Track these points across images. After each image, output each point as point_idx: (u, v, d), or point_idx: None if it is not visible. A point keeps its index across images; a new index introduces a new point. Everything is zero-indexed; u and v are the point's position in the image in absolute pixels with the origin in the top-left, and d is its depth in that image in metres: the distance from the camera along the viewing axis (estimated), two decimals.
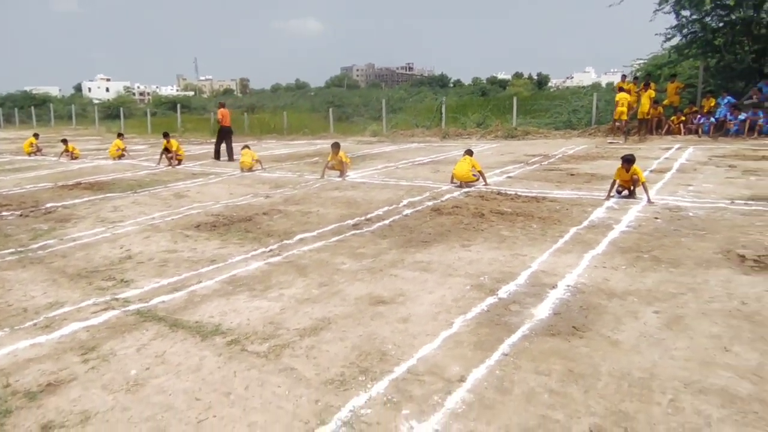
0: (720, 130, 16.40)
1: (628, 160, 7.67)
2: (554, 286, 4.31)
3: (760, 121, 15.62)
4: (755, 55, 17.63)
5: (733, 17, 17.32)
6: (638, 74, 21.14)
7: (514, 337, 3.42)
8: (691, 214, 6.73)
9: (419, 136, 21.58)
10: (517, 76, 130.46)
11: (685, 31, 19.01)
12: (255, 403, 2.70)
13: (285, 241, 5.99)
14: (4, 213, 8.02)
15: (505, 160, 12.96)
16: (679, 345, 3.25)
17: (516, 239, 5.81)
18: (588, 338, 3.39)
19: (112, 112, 42.56)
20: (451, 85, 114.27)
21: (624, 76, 19.76)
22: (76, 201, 8.95)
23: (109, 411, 2.67)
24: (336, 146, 10.75)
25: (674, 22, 18.65)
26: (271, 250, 5.67)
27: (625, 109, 16.94)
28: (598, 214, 6.91)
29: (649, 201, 7.48)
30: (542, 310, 3.85)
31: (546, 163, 12.19)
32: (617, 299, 4.01)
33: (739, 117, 16.11)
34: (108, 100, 68.41)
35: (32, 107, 39.72)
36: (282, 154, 16.68)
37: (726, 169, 10.15)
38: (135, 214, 7.79)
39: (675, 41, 19.50)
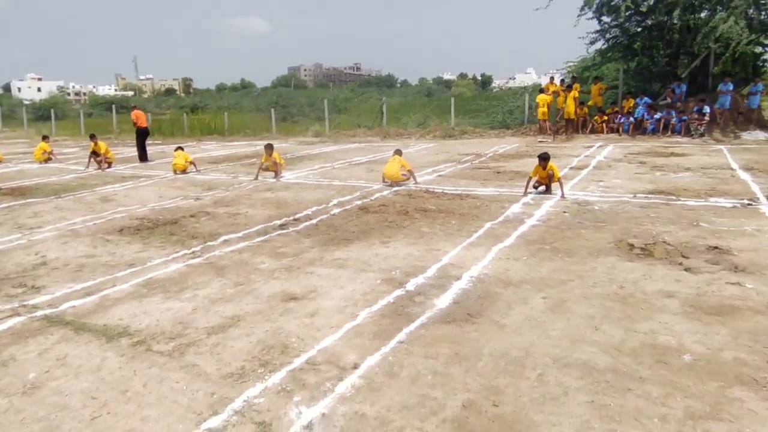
0: (638, 129, 17.52)
1: (545, 158, 8.15)
2: (459, 278, 4.61)
3: (673, 120, 16.80)
4: (668, 59, 18.91)
5: (649, 23, 18.51)
6: (566, 77, 22.19)
7: (413, 326, 3.67)
8: (596, 207, 7.26)
9: (361, 137, 21.79)
10: (462, 76, 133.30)
11: (607, 35, 20.16)
12: (151, 398, 2.80)
13: (209, 243, 6.04)
14: None
15: (438, 159, 13.36)
16: (557, 326, 3.59)
17: (434, 235, 6.11)
18: (479, 324, 3.68)
19: (44, 113, 40.47)
20: (398, 85, 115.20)
21: (552, 78, 20.74)
22: None
23: (2, 414, 2.70)
24: (269, 147, 10.79)
25: (598, 27, 19.75)
26: (193, 252, 5.71)
27: (545, 109, 17.96)
28: (514, 209, 7.32)
29: (562, 196, 7.99)
30: (444, 300, 4.13)
31: (477, 161, 12.67)
32: (513, 287, 4.35)
33: (655, 116, 17.27)
34: (39, 100, 65.08)
35: None
36: (219, 155, 16.46)
37: (637, 166, 10.92)
38: (55, 219, 7.58)
39: (598, 45, 20.68)
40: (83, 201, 9.00)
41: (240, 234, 6.41)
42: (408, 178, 9.53)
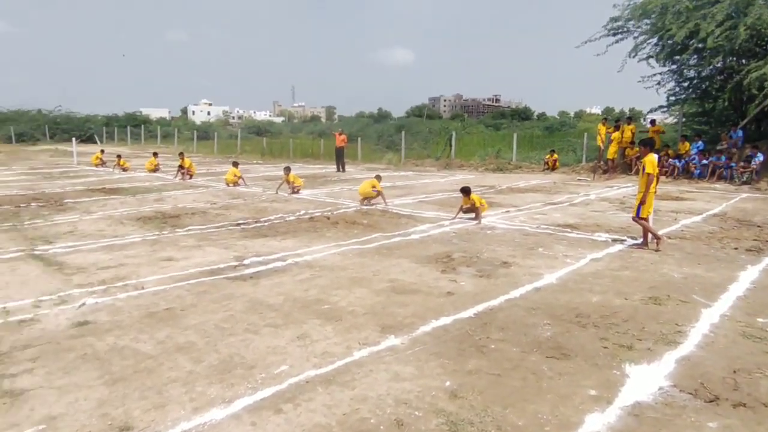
0: (686, 173, 17.21)
1: (465, 191, 9.63)
2: (284, 260, 6.61)
3: (721, 167, 16.30)
4: (736, 102, 18.19)
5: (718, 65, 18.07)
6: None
7: (209, 279, 5.79)
8: (487, 232, 8.59)
9: (423, 166, 23.77)
10: (608, 110, 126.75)
11: (681, 77, 19.95)
12: (29, 280, 5.35)
13: (176, 229, 8.66)
14: (32, 204, 11.50)
15: (449, 188, 14.90)
16: (285, 287, 5.47)
17: (322, 237, 8.08)
18: (249, 281, 5.69)
19: (206, 134, 47.38)
20: (535, 117, 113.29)
21: (605, 119, 20.93)
22: (86, 199, 12.31)
23: None
24: (287, 170, 13.49)
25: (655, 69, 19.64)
26: (151, 234, 8.37)
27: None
28: (422, 228, 8.93)
29: (478, 221, 9.37)
30: (253, 270, 6.17)
31: (479, 192, 14.01)
32: (308, 268, 6.23)
33: (703, 161, 16.86)
34: (208, 122, 78.92)
35: (127, 127, 46.66)
36: (273, 174, 19.47)
37: (608, 204, 11.59)
38: (111, 208, 10.88)
39: (668, 87, 20.41)
40: (144, 199, 12.38)
41: (203, 226, 8.98)
42: (377, 195, 11.46)
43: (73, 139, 28.47)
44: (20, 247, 7.26)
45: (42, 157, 28.65)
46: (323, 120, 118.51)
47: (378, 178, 11.91)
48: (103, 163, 21.45)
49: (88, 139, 44.27)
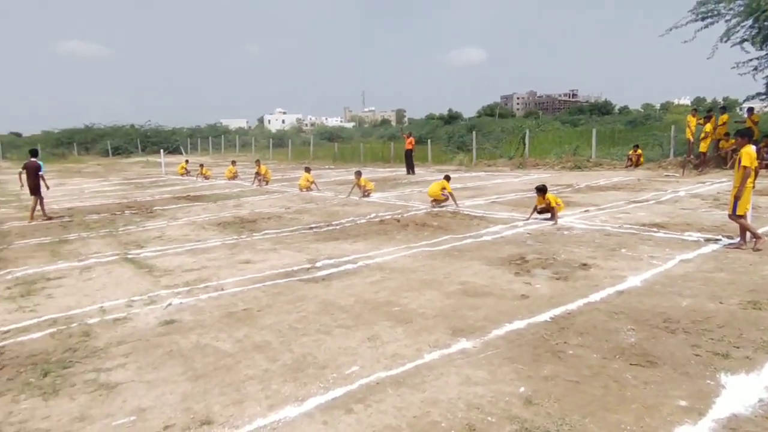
0: None
1: (540, 190, 9.29)
2: (355, 263, 6.67)
3: None
4: None
5: None
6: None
7: (284, 280, 5.97)
8: (566, 232, 8.24)
9: (497, 167, 23.24)
10: (698, 100, 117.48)
11: None
12: (122, 282, 5.77)
13: (254, 233, 9.03)
14: (126, 212, 12.44)
15: (522, 188, 14.46)
16: (356, 288, 5.52)
17: (393, 239, 8.09)
18: (321, 283, 5.80)
19: (281, 142, 49.51)
20: (617, 111, 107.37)
21: (695, 110, 19.42)
22: (173, 206, 13.14)
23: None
24: (358, 174, 13.66)
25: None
26: (237, 237, 8.75)
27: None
28: (495, 229, 8.71)
29: (555, 222, 9.01)
30: (325, 272, 6.28)
31: (555, 191, 13.49)
32: (378, 270, 6.25)
33: None
34: (283, 130, 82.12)
35: (209, 138, 49.41)
36: (344, 179, 19.77)
37: (700, 201, 10.75)
38: (194, 214, 11.53)
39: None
40: (224, 205, 13.02)
41: (279, 230, 9.28)
42: (447, 198, 11.32)
43: (161, 150, 30.50)
44: (115, 252, 7.86)
45: (135, 169, 30.97)
46: (393, 123, 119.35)
47: (447, 178, 11.77)
48: (187, 173, 22.84)
49: (174, 151, 47.27)
